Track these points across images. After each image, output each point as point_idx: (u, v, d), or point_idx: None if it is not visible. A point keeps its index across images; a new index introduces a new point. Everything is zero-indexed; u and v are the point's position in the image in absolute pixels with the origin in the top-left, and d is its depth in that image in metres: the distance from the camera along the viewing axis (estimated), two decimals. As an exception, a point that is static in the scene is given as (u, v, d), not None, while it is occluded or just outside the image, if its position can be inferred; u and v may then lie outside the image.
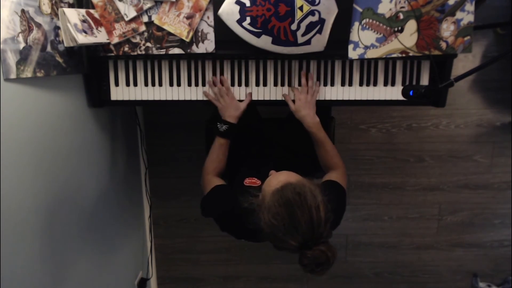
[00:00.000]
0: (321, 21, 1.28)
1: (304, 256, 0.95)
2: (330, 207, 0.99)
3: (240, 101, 1.40)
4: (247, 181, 1.26)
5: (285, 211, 0.95)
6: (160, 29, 1.30)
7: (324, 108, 1.61)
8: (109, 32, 1.28)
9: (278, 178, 1.04)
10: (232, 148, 1.52)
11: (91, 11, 1.26)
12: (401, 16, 1.31)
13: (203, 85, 1.41)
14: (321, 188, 1.01)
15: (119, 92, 1.42)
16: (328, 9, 1.27)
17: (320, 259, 0.94)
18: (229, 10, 1.26)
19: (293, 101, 1.38)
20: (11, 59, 0.99)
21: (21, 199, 1.03)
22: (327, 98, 1.44)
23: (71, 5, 1.25)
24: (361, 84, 1.43)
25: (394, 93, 1.44)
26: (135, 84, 1.41)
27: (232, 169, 1.50)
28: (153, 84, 1.41)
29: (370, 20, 1.32)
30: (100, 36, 1.26)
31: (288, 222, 0.94)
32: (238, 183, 1.29)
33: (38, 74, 1.09)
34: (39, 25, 1.10)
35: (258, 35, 1.28)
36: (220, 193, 1.25)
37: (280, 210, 0.95)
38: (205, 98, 1.42)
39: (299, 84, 1.41)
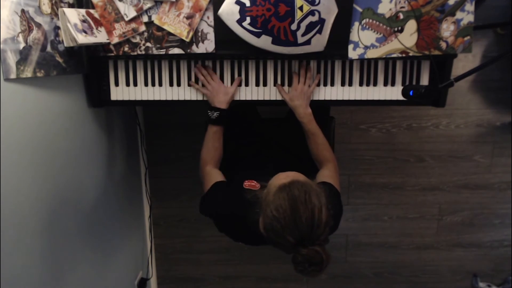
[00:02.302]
0: (321, 21, 1.28)
1: (299, 253, 0.96)
2: (332, 213, 0.99)
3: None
4: (246, 184, 1.25)
5: (288, 204, 0.95)
6: (160, 29, 1.30)
7: (322, 107, 1.61)
8: (109, 32, 1.28)
9: (287, 175, 1.05)
10: (231, 147, 1.52)
11: (91, 11, 1.26)
12: (401, 16, 1.31)
13: (203, 85, 1.41)
14: (326, 193, 1.01)
15: (119, 92, 1.42)
16: (328, 9, 1.27)
17: (314, 258, 0.95)
18: (229, 10, 1.26)
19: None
20: (11, 59, 0.99)
21: (21, 199, 1.03)
22: (327, 98, 1.44)
23: (71, 5, 1.25)
24: (361, 84, 1.43)
25: (394, 93, 1.44)
26: (135, 84, 1.41)
27: (231, 168, 1.49)
28: (153, 84, 1.41)
29: (370, 20, 1.32)
30: (100, 36, 1.26)
31: (289, 216, 0.95)
32: (237, 185, 1.29)
33: (38, 74, 1.09)
34: (39, 25, 1.10)
35: (258, 35, 1.28)
36: (219, 193, 1.25)
37: (283, 203, 0.96)
38: (205, 98, 1.42)
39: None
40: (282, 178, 1.03)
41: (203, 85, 1.39)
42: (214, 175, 1.30)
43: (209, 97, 1.38)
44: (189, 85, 1.41)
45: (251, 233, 1.07)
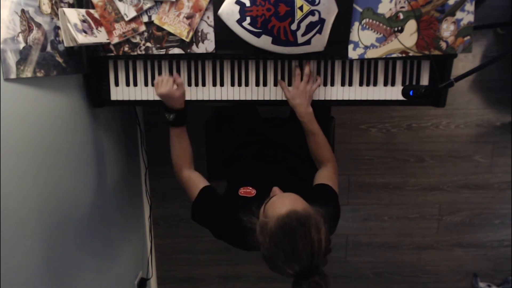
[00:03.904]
0: (321, 21, 1.28)
1: (299, 285, 0.95)
2: (330, 240, 1.00)
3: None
4: (242, 191, 1.24)
5: (287, 241, 0.94)
6: (160, 29, 1.30)
7: (323, 108, 1.61)
8: (109, 32, 1.28)
9: (284, 203, 1.01)
10: (231, 147, 1.53)
11: (91, 11, 1.26)
12: (401, 16, 1.31)
13: (203, 85, 1.41)
14: (325, 218, 1.00)
15: (119, 92, 1.42)
16: (328, 9, 1.27)
17: None
18: (229, 10, 1.26)
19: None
20: (11, 59, 0.99)
21: (21, 200, 1.03)
22: (327, 98, 1.44)
23: (71, 5, 1.25)
24: (361, 84, 1.43)
25: (394, 93, 1.44)
26: (135, 84, 1.41)
27: (231, 168, 1.50)
28: (153, 84, 1.41)
29: (370, 20, 1.32)
30: (100, 36, 1.26)
31: (289, 252, 0.94)
32: (232, 192, 1.28)
33: (38, 74, 1.09)
34: (39, 25, 1.10)
35: (258, 35, 1.28)
36: (210, 201, 1.24)
37: (282, 240, 0.94)
38: (205, 98, 1.42)
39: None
40: (278, 207, 1.00)
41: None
42: (195, 180, 1.28)
43: (164, 99, 1.29)
44: (189, 84, 1.41)
45: (249, 244, 1.06)
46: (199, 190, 1.25)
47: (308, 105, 1.34)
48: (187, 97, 1.42)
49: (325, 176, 1.30)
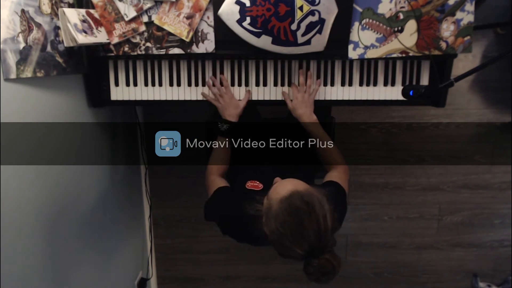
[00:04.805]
0: (321, 21, 1.28)
1: (310, 264, 0.95)
2: (336, 216, 0.99)
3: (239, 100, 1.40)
4: (249, 185, 1.25)
5: (293, 219, 0.95)
6: (160, 29, 1.30)
7: (324, 108, 1.61)
8: (109, 32, 1.28)
9: (286, 186, 1.03)
10: (232, 148, 1.52)
11: (91, 11, 1.26)
12: (401, 16, 1.31)
13: (203, 85, 1.41)
14: (328, 197, 1.01)
15: (119, 92, 1.42)
16: (328, 9, 1.27)
17: (326, 268, 0.95)
18: (229, 10, 1.26)
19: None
20: (11, 59, 0.99)
21: (21, 200, 1.03)
22: (327, 98, 1.44)
23: (71, 5, 1.25)
24: (361, 84, 1.43)
25: (394, 93, 1.44)
26: (135, 84, 1.41)
27: (233, 169, 1.50)
28: (153, 84, 1.41)
29: (370, 20, 1.32)
30: (100, 36, 1.26)
31: (295, 231, 0.94)
32: (239, 186, 1.28)
33: (38, 74, 1.09)
34: (39, 25, 1.10)
35: (258, 35, 1.28)
36: (222, 197, 1.25)
37: (288, 219, 0.95)
38: (205, 98, 1.42)
39: (299, 84, 1.41)
40: (281, 191, 1.01)
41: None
42: (218, 183, 1.29)
43: (220, 110, 1.39)
44: (189, 84, 1.41)
45: (256, 234, 1.06)
46: (215, 189, 1.26)
47: (311, 114, 1.35)
48: (187, 97, 1.42)
49: (333, 176, 1.29)
